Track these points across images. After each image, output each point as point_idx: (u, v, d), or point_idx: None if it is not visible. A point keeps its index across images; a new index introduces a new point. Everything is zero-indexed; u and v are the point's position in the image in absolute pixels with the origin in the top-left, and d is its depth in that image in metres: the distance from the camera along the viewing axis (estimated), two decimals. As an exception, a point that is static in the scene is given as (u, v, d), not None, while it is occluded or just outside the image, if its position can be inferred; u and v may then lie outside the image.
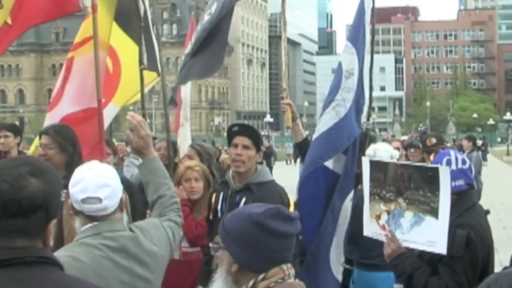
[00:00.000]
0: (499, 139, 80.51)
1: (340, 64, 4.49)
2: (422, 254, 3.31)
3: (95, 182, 2.57)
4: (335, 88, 4.45)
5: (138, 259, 2.62)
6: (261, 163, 4.14)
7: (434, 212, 3.15)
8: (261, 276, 2.03)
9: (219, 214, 4.02)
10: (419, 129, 72.79)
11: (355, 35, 4.51)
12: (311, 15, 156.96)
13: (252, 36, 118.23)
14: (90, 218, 2.59)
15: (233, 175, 4.03)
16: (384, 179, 3.36)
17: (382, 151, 4.94)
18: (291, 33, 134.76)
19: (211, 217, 4.19)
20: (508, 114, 70.24)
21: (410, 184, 3.25)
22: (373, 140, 5.41)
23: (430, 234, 3.16)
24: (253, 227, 2.02)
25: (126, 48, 5.41)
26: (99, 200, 2.57)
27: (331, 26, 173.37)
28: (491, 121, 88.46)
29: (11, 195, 1.67)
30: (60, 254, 2.44)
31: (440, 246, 3.12)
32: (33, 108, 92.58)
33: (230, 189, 4.02)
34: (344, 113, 4.37)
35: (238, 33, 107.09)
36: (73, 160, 3.81)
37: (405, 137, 15.94)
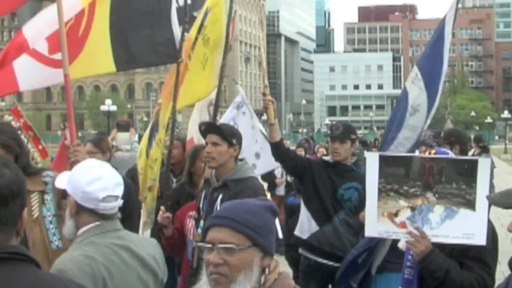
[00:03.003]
0: (496, 137, 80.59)
1: (406, 95, 4.18)
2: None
3: (113, 181, 2.57)
4: (399, 124, 4.17)
5: (141, 260, 2.60)
6: (241, 160, 4.14)
7: (471, 205, 3.14)
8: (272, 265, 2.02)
9: (201, 212, 4.09)
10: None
11: (429, 67, 4.17)
12: (309, 13, 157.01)
13: (249, 34, 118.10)
14: (100, 216, 2.55)
15: (215, 174, 4.10)
16: (407, 174, 3.27)
17: None
18: (289, 31, 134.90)
19: (196, 216, 4.24)
20: (506, 112, 70.46)
21: (441, 178, 3.20)
22: None
23: (466, 227, 3.14)
24: (270, 215, 2.04)
25: (101, 18, 4.44)
26: (117, 198, 2.58)
27: (329, 25, 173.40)
28: (488, 119, 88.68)
29: None
30: (74, 254, 2.46)
31: (479, 237, 3.12)
32: (31, 107, 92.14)
33: (210, 187, 4.09)
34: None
35: (235, 31, 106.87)
36: (22, 161, 3.37)
37: None
